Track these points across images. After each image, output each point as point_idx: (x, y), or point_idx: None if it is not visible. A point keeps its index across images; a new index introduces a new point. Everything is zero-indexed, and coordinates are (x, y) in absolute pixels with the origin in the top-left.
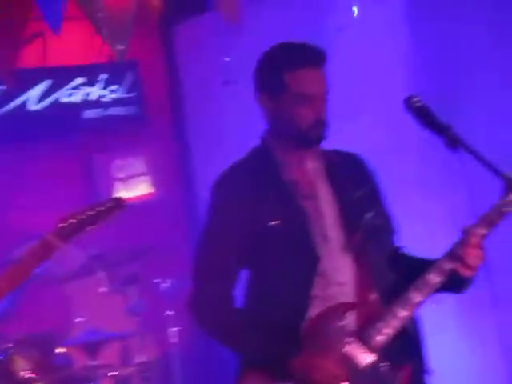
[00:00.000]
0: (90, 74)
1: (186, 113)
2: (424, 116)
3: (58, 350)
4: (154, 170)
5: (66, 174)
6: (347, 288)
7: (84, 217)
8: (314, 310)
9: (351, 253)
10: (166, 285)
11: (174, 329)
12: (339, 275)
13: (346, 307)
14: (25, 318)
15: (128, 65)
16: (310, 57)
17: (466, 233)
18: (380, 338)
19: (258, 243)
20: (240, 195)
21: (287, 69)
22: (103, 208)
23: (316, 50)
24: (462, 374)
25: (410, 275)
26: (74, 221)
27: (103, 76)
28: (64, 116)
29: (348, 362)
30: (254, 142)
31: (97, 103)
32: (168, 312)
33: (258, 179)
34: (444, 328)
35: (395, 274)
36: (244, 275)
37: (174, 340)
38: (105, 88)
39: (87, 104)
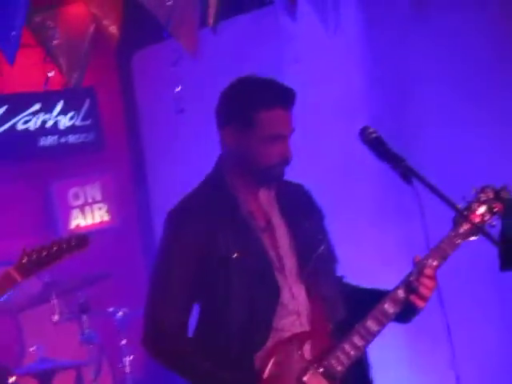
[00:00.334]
0: (47, 100)
1: (142, 140)
2: (379, 147)
3: (10, 380)
4: (109, 197)
5: (23, 201)
6: (303, 318)
7: (48, 253)
8: (270, 340)
9: (304, 283)
10: (120, 313)
11: (129, 358)
12: (296, 305)
13: (303, 337)
14: None
15: (85, 92)
16: (284, 98)
17: (419, 264)
18: (339, 368)
19: (216, 275)
20: (197, 226)
21: (260, 108)
22: (67, 245)
23: (289, 92)
24: None
25: (358, 305)
26: (39, 256)
27: (60, 103)
28: (20, 143)
29: None
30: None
31: (53, 130)
32: (122, 341)
33: (216, 210)
34: (396, 361)
35: (344, 305)
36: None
37: (128, 369)
38: (61, 115)
39: (44, 131)
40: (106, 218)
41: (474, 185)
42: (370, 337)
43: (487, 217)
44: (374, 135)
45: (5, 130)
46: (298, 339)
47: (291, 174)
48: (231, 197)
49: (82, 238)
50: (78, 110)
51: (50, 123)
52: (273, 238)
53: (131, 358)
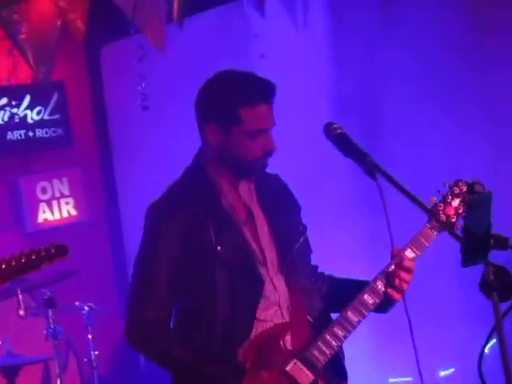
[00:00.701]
0: (14, 94)
1: (110, 134)
2: (343, 143)
3: None
4: (77, 192)
5: None
6: (284, 309)
7: (26, 261)
8: (254, 331)
9: (283, 275)
10: (86, 308)
11: (95, 352)
12: (277, 297)
13: (284, 328)
14: None
15: (53, 86)
16: (267, 93)
17: (397, 256)
18: (321, 358)
19: (200, 267)
20: (180, 219)
21: (244, 105)
22: (46, 253)
23: (271, 86)
24: None
25: (337, 296)
26: (18, 263)
27: (27, 97)
28: None
29: (290, 380)
30: (178, 164)
31: (21, 124)
32: (89, 336)
33: (198, 204)
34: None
35: (321, 295)
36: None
37: (95, 364)
38: (29, 109)
39: (11, 125)
40: (74, 212)
41: (436, 182)
42: (350, 327)
43: (461, 209)
44: (338, 131)
45: None
46: (279, 330)
47: None
48: (213, 190)
49: (62, 247)
50: (46, 104)
51: (17, 117)
52: (254, 231)
53: (97, 352)
